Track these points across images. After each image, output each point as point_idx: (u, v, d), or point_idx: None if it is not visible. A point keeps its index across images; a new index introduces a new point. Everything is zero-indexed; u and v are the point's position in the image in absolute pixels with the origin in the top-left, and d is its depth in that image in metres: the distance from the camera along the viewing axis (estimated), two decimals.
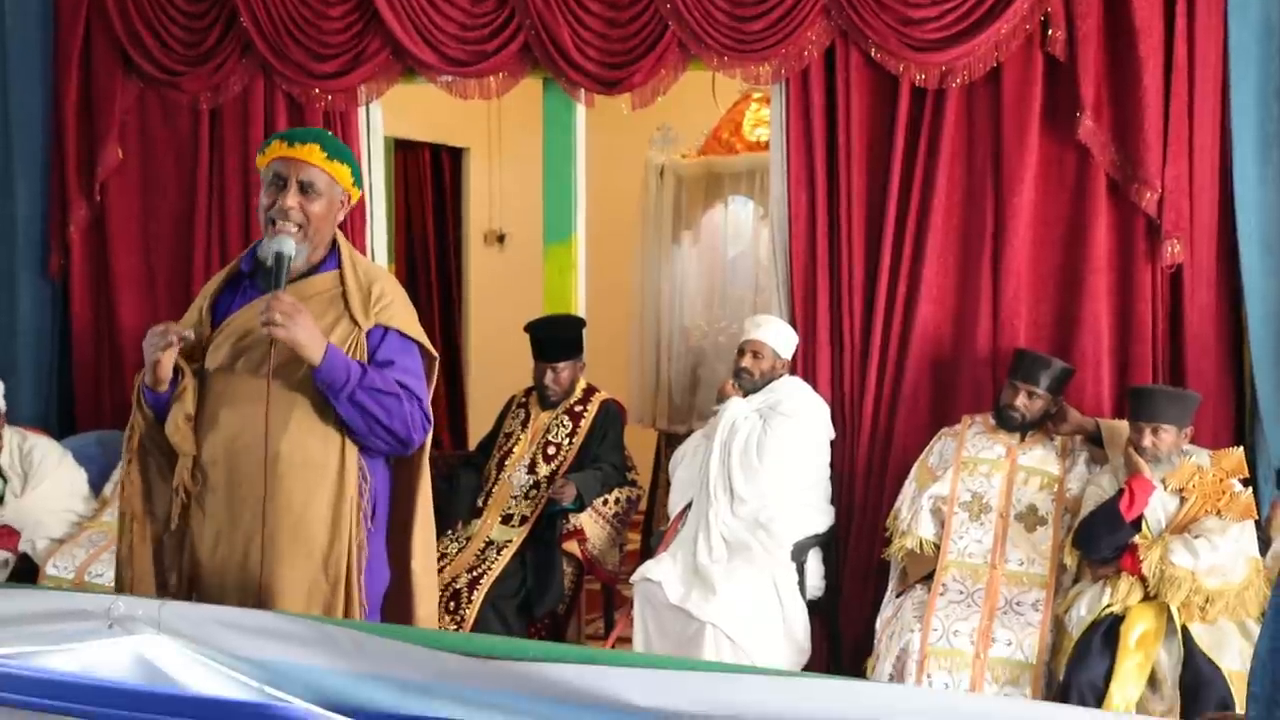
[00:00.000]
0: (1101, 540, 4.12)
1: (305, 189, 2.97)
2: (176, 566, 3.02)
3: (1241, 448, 4.25)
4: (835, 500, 4.93)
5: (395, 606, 3.12)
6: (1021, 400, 4.51)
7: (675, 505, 4.96)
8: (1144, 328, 4.67)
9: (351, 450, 2.95)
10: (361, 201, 5.52)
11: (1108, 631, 3.97)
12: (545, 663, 2.07)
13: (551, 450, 5.10)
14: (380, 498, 3.06)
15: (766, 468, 4.70)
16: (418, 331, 3.08)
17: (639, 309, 6.96)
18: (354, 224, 5.44)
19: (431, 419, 3.04)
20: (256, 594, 2.88)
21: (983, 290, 4.80)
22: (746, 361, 4.90)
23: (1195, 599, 3.96)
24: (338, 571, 2.92)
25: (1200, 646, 3.88)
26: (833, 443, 4.92)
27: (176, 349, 2.91)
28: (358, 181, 3.11)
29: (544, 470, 5.06)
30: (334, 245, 3.08)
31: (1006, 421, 4.54)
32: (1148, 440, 4.13)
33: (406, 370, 3.00)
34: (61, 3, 5.63)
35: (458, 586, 4.72)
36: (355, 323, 2.98)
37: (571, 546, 4.91)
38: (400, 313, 3.06)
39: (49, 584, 4.74)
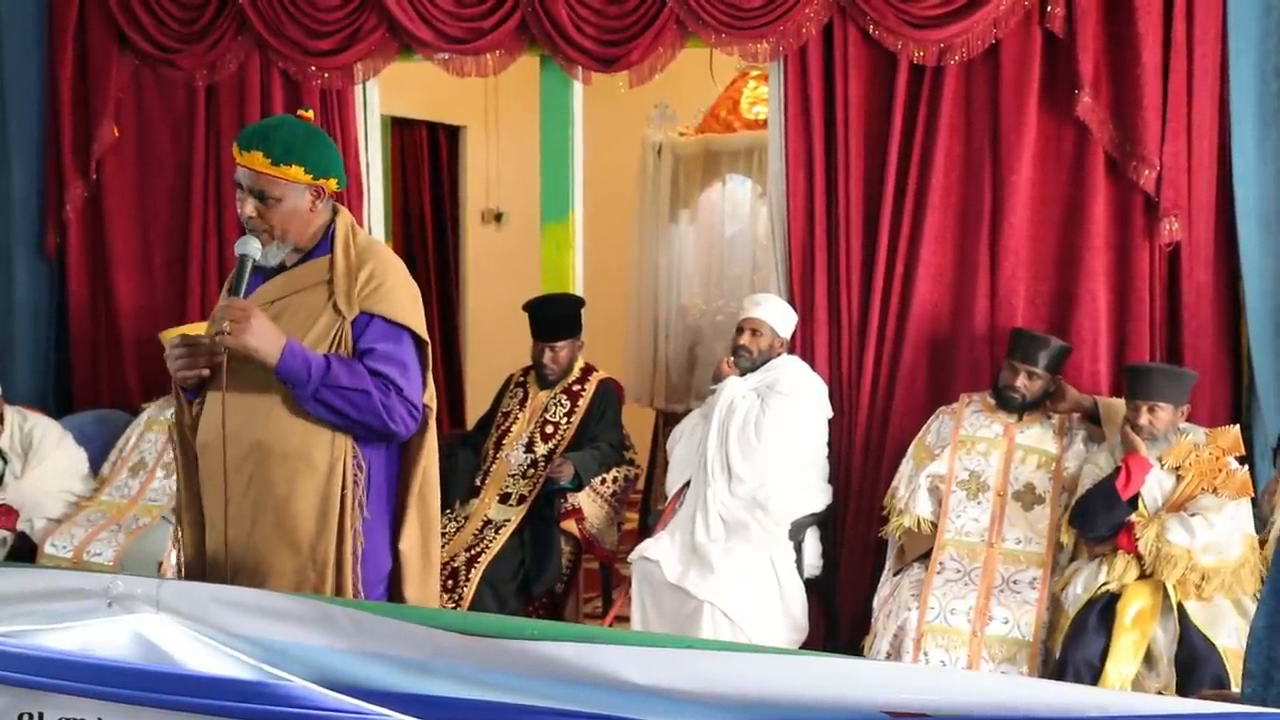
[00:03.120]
0: (1098, 518, 4.13)
1: (261, 198, 2.89)
2: (197, 548, 3.03)
3: (1238, 425, 4.25)
4: (833, 479, 4.94)
5: (392, 589, 3.08)
6: (1022, 381, 4.50)
7: (673, 484, 4.96)
8: (1141, 306, 4.67)
9: (342, 441, 2.89)
10: (358, 180, 5.50)
11: (1104, 609, 3.98)
12: (543, 641, 2.07)
13: (549, 429, 5.10)
14: (379, 484, 2.99)
15: (764, 447, 4.70)
16: (409, 316, 2.96)
17: (636, 288, 6.96)
18: (351, 203, 5.44)
19: (420, 405, 2.94)
20: (245, 579, 2.87)
21: (980, 268, 4.80)
22: (745, 340, 4.89)
23: (1191, 576, 3.97)
24: (324, 560, 2.88)
25: (1196, 624, 3.89)
26: (830, 421, 4.93)
27: (200, 366, 2.89)
28: (323, 172, 2.93)
29: (542, 449, 5.06)
30: (330, 227, 3.00)
31: (1007, 403, 4.54)
32: (1144, 418, 4.13)
33: (387, 358, 2.89)
34: None
35: (455, 565, 4.73)
36: (339, 312, 2.90)
37: (570, 525, 4.92)
38: (389, 297, 2.94)
39: (47, 563, 4.75)
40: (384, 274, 2.97)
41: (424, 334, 3.00)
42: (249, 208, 2.90)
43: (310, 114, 3.10)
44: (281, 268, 2.98)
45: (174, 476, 3.14)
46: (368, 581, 2.97)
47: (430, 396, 3.04)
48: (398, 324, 2.95)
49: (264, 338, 2.78)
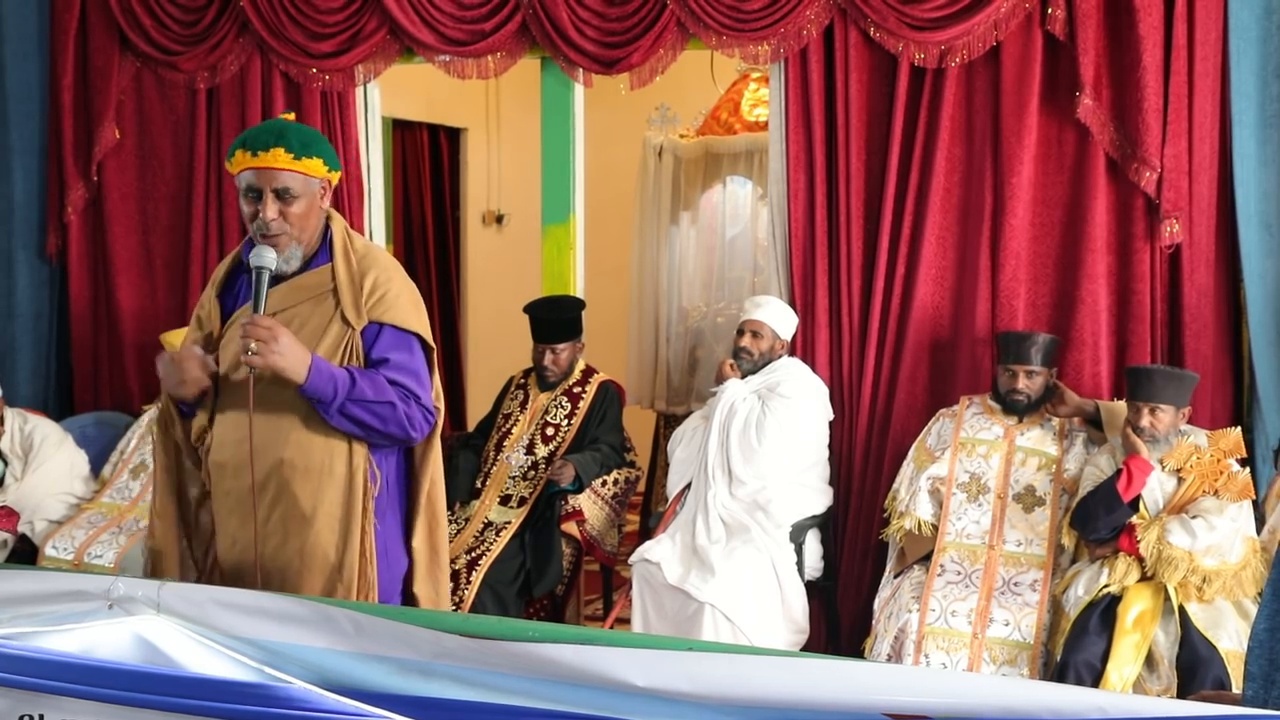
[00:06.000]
0: (1099, 520, 4.13)
1: (281, 196, 2.88)
2: (201, 564, 3.06)
3: (1239, 428, 4.25)
4: (834, 481, 4.94)
5: (404, 586, 3.13)
6: (1023, 382, 4.50)
7: (674, 486, 4.96)
8: (1143, 308, 4.67)
9: (359, 450, 2.92)
10: (359, 182, 5.51)
11: (1105, 611, 3.98)
12: (544, 643, 2.07)
13: (550, 431, 5.10)
14: (392, 488, 3.04)
15: (765, 449, 4.70)
16: (416, 323, 3.00)
17: (637, 290, 6.95)
18: (352, 205, 5.43)
19: (435, 410, 3.00)
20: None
21: (981, 271, 4.80)
22: (746, 341, 4.90)
23: (1192, 579, 3.97)
24: (352, 572, 2.91)
25: (1197, 626, 3.89)
26: (831, 423, 4.92)
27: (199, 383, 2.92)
28: (332, 163, 3.00)
29: (542, 451, 5.06)
30: (327, 233, 3.01)
31: (1013, 407, 4.53)
32: (1145, 420, 4.13)
33: (402, 367, 2.92)
34: None
35: (456, 567, 4.72)
36: (348, 323, 2.91)
37: (570, 527, 4.91)
38: (395, 305, 2.97)
39: (48, 565, 4.75)
40: (387, 282, 2.99)
41: (429, 338, 3.03)
42: (271, 210, 2.86)
43: (292, 115, 3.13)
44: (279, 278, 2.97)
45: None
46: (383, 581, 3.00)
47: (437, 396, 3.07)
48: (407, 331, 2.97)
49: (291, 357, 2.78)
